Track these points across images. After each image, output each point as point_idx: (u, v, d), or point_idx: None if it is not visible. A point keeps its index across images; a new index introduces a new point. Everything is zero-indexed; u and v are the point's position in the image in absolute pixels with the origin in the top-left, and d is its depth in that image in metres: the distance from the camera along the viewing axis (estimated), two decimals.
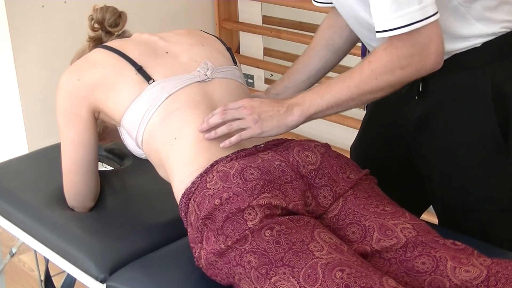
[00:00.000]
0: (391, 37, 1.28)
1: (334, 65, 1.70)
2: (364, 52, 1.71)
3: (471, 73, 1.41)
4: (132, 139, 1.49)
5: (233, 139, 1.36)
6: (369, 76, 1.32)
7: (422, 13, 1.24)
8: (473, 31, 1.38)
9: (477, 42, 1.39)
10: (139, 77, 1.45)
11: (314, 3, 1.66)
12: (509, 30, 1.40)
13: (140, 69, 1.46)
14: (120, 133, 1.55)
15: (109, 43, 1.55)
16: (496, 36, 1.39)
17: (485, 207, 1.48)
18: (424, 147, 1.52)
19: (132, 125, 1.46)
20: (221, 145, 1.37)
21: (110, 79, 1.47)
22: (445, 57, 1.41)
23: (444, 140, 1.47)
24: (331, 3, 1.56)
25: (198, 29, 1.68)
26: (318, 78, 1.69)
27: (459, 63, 1.41)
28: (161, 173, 1.49)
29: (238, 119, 1.37)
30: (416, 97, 1.48)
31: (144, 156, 1.51)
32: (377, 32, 1.28)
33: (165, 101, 1.43)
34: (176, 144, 1.39)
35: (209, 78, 1.49)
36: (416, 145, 1.54)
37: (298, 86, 1.67)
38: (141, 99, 1.44)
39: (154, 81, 1.45)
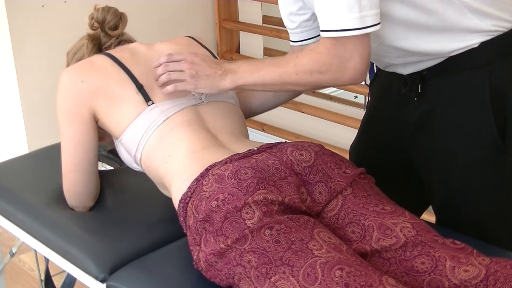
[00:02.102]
0: (321, 41, 1.32)
1: (275, 106, 1.75)
2: None
3: (469, 74, 1.41)
4: (131, 156, 1.51)
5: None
6: (292, 69, 1.37)
7: (357, 23, 1.26)
8: (469, 24, 1.37)
9: (474, 42, 1.39)
10: (139, 97, 1.48)
11: (291, 43, 1.66)
12: (506, 30, 1.40)
13: (140, 88, 1.49)
14: (116, 145, 1.56)
15: (113, 53, 1.56)
16: (493, 36, 1.39)
17: (483, 208, 1.48)
18: (423, 147, 1.52)
19: (131, 143, 1.48)
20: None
21: (114, 92, 1.49)
22: (444, 58, 1.41)
23: (443, 141, 1.47)
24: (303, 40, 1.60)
25: (193, 40, 1.68)
26: (264, 110, 1.75)
27: (457, 64, 1.41)
28: (163, 191, 1.52)
29: (179, 70, 1.46)
30: (415, 98, 1.48)
31: (139, 169, 1.54)
32: (320, 30, 1.31)
33: (163, 123, 1.46)
34: (171, 161, 1.42)
35: (203, 101, 1.53)
36: (415, 145, 1.54)
37: (253, 111, 1.74)
38: (140, 120, 1.47)
39: (153, 103, 1.48)
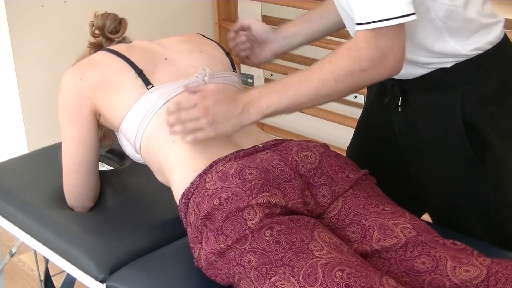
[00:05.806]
0: (358, 36, 1.24)
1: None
2: None
3: (442, 95, 1.40)
4: (131, 145, 1.50)
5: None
6: (328, 77, 1.26)
7: (398, 10, 1.20)
8: (446, 49, 1.36)
9: (448, 60, 1.37)
10: (138, 81, 1.47)
11: None
12: (481, 52, 1.38)
13: (140, 73, 1.48)
14: (118, 138, 1.56)
15: (111, 47, 1.57)
16: (467, 58, 1.37)
17: (474, 227, 1.48)
18: (409, 157, 1.52)
19: (130, 130, 1.47)
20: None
21: (113, 81, 1.48)
22: (422, 71, 1.39)
23: (425, 157, 1.48)
24: None
25: (197, 34, 1.69)
26: (329, 33, 1.66)
27: (431, 84, 1.40)
28: (159, 178, 1.50)
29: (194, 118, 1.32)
30: (399, 110, 1.48)
31: (142, 161, 1.53)
32: (356, 24, 1.24)
33: (163, 106, 1.44)
34: (174, 147, 1.40)
35: (206, 83, 1.50)
36: (403, 153, 1.54)
37: (309, 36, 1.65)
38: (139, 105, 1.45)
39: (153, 86, 1.46)
